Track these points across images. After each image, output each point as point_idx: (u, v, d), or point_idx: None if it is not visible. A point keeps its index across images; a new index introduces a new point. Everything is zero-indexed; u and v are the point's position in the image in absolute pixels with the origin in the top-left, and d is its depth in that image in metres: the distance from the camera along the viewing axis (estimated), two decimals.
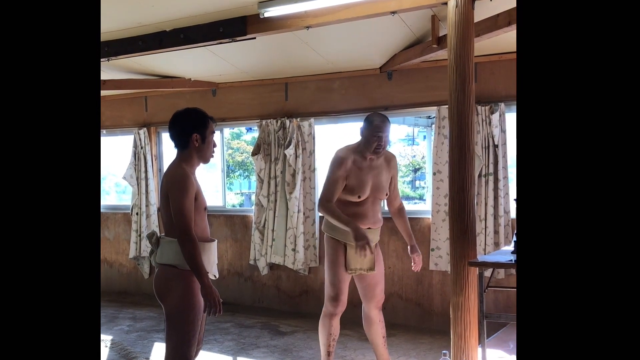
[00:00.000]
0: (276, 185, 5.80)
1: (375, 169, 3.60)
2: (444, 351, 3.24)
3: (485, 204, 4.85)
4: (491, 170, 4.84)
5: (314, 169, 5.69)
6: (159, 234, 2.84)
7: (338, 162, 3.52)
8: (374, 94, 5.44)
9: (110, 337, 5.12)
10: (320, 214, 3.58)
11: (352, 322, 5.23)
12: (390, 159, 3.72)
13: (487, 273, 4.23)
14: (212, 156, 2.87)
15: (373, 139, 3.49)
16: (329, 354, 3.70)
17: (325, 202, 3.48)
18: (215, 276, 2.85)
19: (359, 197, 3.54)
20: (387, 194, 3.69)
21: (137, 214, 6.63)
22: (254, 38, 4.24)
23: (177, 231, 2.64)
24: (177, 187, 2.66)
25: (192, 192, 2.68)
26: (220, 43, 4.36)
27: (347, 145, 3.64)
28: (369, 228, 3.60)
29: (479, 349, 3.33)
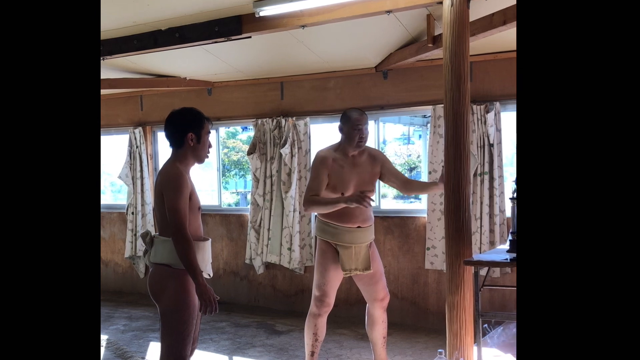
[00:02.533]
0: (272, 185, 5.80)
1: (359, 166, 3.61)
2: (439, 350, 3.25)
3: (481, 203, 4.86)
4: (486, 169, 4.85)
5: (310, 168, 5.69)
6: (153, 234, 2.84)
7: (319, 161, 3.55)
8: (369, 93, 5.45)
9: (105, 337, 5.11)
10: (307, 212, 3.62)
11: (348, 321, 5.24)
12: (375, 155, 3.74)
13: (483, 272, 4.23)
14: (207, 156, 2.87)
15: (354, 133, 3.52)
16: (312, 354, 3.71)
17: (310, 196, 3.47)
18: (209, 275, 2.85)
19: (342, 194, 3.54)
20: (373, 191, 3.69)
21: (132, 213, 6.62)
22: (250, 37, 4.24)
23: (171, 230, 2.64)
24: (172, 186, 2.66)
25: (186, 192, 2.68)
26: (216, 42, 4.35)
27: (328, 145, 3.67)
28: (359, 227, 3.60)
29: (475, 348, 3.34)
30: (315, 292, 3.65)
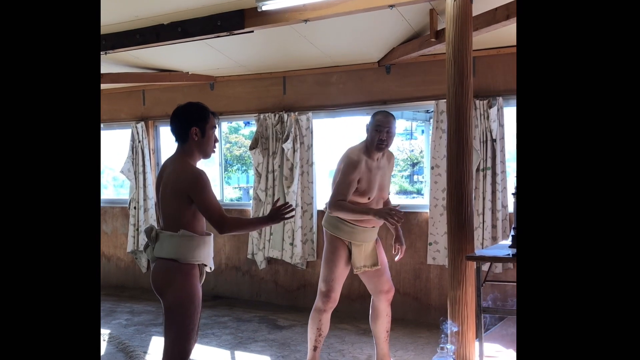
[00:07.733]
0: (274, 180, 5.80)
1: (381, 169, 3.61)
2: (441, 345, 3.25)
3: (483, 198, 4.85)
4: (489, 164, 4.84)
5: (312, 163, 5.69)
6: (157, 228, 2.83)
7: (352, 165, 3.47)
8: (372, 88, 5.44)
9: (108, 331, 5.12)
10: (332, 214, 3.54)
11: (350, 316, 5.24)
12: (390, 158, 3.74)
13: (485, 267, 4.24)
14: (214, 151, 2.85)
15: (374, 134, 3.50)
16: (315, 348, 3.71)
17: (338, 200, 3.43)
18: (211, 268, 2.86)
19: (369, 198, 3.54)
20: (389, 193, 3.69)
21: (134, 208, 6.63)
22: (252, 31, 4.23)
23: (217, 227, 2.67)
24: (199, 187, 2.65)
25: (211, 185, 2.70)
26: (218, 36, 4.34)
27: (356, 145, 3.61)
28: (373, 227, 3.62)
29: (477, 343, 3.34)
30: (321, 287, 3.65)
